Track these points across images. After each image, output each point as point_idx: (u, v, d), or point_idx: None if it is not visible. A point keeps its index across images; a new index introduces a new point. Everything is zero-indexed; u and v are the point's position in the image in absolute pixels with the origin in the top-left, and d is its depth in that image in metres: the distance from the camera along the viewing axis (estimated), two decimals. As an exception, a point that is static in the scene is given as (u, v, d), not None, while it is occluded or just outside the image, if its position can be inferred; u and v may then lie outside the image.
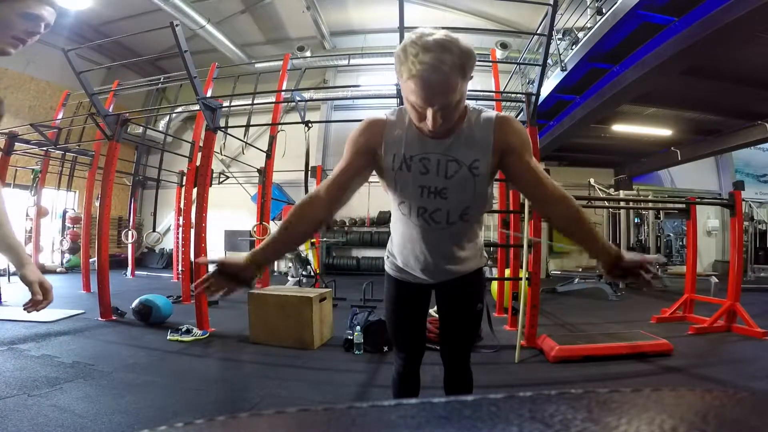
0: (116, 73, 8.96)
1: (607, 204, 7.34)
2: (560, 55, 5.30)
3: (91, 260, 5.77)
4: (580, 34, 5.09)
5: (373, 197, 6.34)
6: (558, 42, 5.24)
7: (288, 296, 3.35)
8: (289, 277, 5.93)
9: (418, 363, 1.43)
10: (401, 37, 3.18)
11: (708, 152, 8.00)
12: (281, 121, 6.55)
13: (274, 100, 6.70)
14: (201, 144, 4.92)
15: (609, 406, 0.24)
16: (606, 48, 4.67)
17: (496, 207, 5.15)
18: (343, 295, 5.25)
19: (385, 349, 3.11)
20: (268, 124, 6.14)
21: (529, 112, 3.73)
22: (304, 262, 5.74)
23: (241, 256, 1.03)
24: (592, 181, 8.09)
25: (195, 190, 5.00)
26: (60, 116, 7.51)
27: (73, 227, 8.46)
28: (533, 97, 3.71)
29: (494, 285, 4.93)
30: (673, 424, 0.21)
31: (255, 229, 6.06)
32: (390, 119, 1.14)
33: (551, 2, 3.55)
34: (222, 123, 4.69)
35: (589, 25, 4.83)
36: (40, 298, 1.08)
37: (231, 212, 9.40)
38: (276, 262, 9.44)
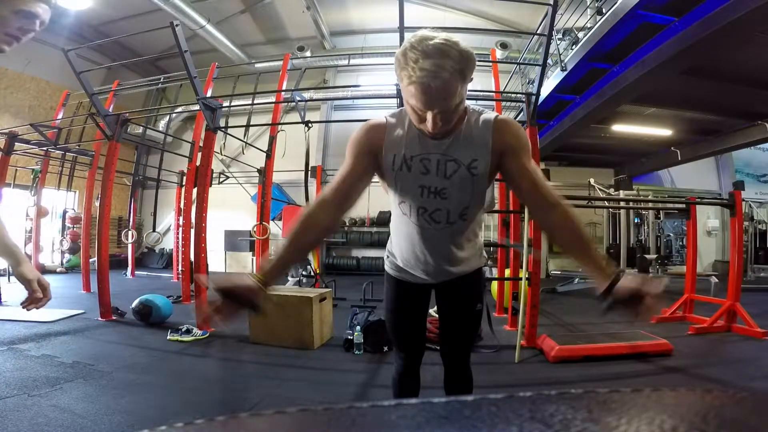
0: (116, 73, 8.96)
1: (607, 204, 7.34)
2: (560, 55, 5.30)
3: (91, 260, 5.77)
4: (580, 34, 5.09)
5: (373, 197, 6.30)
6: (558, 42, 5.24)
7: (288, 296, 3.35)
8: (289, 277, 5.92)
9: (418, 363, 1.43)
10: (401, 37, 3.18)
11: (708, 152, 7.99)
12: (281, 121, 6.54)
13: (274, 100, 6.70)
14: (201, 144, 4.92)
15: (609, 406, 0.24)
16: (606, 48, 4.67)
17: (496, 207, 5.15)
18: (343, 295, 5.25)
19: (385, 349, 3.11)
20: (268, 124, 6.14)
21: (529, 112, 3.73)
22: (304, 262, 5.74)
23: (248, 277, 0.94)
24: (592, 181, 8.09)
25: (195, 190, 5.00)
26: (60, 116, 7.51)
27: (73, 227, 8.45)
28: (533, 97, 3.71)
29: (494, 285, 4.93)
30: (673, 424, 0.21)
31: (255, 229, 6.05)
32: (390, 121, 1.14)
33: (551, 2, 3.55)
34: (222, 123, 4.69)
35: (589, 25, 4.83)
36: (40, 296, 1.07)
37: (231, 212, 9.40)
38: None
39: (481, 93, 6.59)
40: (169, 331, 3.58)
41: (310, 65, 9.43)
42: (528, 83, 6.11)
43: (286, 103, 7.24)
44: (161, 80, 8.11)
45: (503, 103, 6.30)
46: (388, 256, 1.37)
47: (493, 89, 5.68)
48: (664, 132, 7.33)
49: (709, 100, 5.84)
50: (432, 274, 1.26)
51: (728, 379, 2.65)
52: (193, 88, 3.94)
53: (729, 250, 4.59)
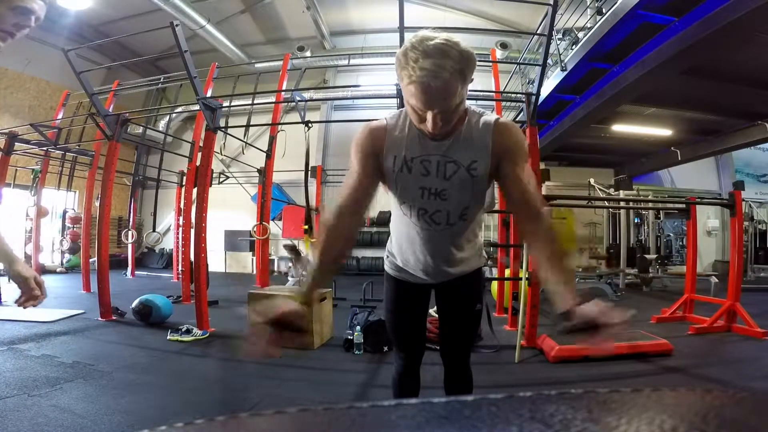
0: (116, 73, 8.96)
1: (607, 204, 7.35)
2: (560, 55, 5.30)
3: (91, 260, 5.77)
4: (580, 34, 5.09)
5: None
6: (558, 42, 5.24)
7: (288, 296, 3.34)
8: (289, 277, 5.93)
9: (418, 363, 1.43)
10: (401, 37, 3.17)
11: (708, 152, 8.00)
12: (281, 121, 6.55)
13: (274, 100, 6.71)
14: (201, 144, 4.92)
15: (609, 406, 0.24)
16: (606, 48, 4.67)
17: (496, 207, 5.14)
18: (343, 295, 5.25)
19: (385, 349, 3.11)
20: (268, 124, 6.15)
21: (529, 112, 3.73)
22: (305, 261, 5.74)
23: (292, 302, 0.96)
24: (592, 181, 8.09)
25: (195, 190, 5.00)
26: (60, 116, 7.52)
27: (73, 227, 8.46)
28: (533, 97, 3.71)
29: (494, 285, 4.93)
30: (673, 424, 0.21)
31: (255, 229, 6.06)
32: (390, 123, 1.14)
33: (551, 2, 3.55)
34: (222, 123, 4.69)
35: (589, 25, 4.84)
36: (37, 293, 1.07)
37: (231, 212, 9.41)
38: (276, 262, 9.45)
39: (481, 93, 6.58)
40: (169, 331, 3.57)
41: (310, 65, 9.43)
42: (528, 83, 6.11)
43: (286, 103, 7.24)
44: (161, 80, 8.11)
45: (503, 103, 6.31)
46: (387, 256, 1.38)
47: (493, 89, 5.68)
48: (664, 132, 7.34)
49: (709, 100, 5.84)
50: (432, 274, 1.26)
51: (728, 379, 2.65)
52: (193, 88, 3.93)
53: (729, 250, 4.60)
